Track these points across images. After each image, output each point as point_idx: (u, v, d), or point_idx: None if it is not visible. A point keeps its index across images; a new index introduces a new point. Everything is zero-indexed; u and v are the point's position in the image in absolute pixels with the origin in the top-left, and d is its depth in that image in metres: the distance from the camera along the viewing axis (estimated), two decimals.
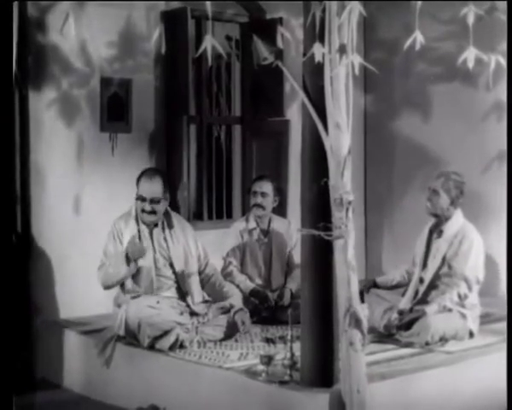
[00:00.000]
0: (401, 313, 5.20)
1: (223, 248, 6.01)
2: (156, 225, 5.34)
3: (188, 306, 5.30)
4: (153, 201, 5.26)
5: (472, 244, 5.22)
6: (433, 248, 5.34)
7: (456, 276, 5.18)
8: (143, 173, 5.38)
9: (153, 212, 5.27)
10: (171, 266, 5.33)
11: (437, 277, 5.26)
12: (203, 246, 5.54)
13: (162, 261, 5.32)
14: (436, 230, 5.36)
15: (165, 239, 5.35)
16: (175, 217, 5.48)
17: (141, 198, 5.27)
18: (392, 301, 5.40)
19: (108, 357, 5.09)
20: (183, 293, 5.32)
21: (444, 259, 5.26)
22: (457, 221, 5.29)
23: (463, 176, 5.39)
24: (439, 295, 5.17)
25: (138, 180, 5.34)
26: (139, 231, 5.29)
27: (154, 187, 5.28)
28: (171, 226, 5.39)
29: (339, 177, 3.80)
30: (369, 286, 5.65)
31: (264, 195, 5.96)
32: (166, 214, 5.40)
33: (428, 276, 5.29)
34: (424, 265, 5.36)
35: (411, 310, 5.20)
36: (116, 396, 5.09)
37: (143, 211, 5.27)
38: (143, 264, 5.21)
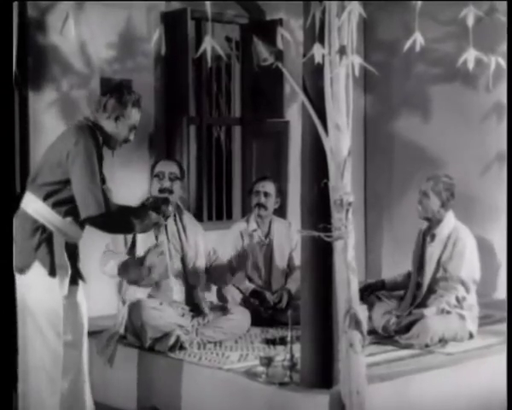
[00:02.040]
0: (399, 317, 5.21)
1: (223, 248, 6.00)
2: (169, 216, 5.32)
3: (191, 310, 5.28)
4: (171, 176, 5.24)
5: (465, 246, 5.22)
6: (427, 252, 5.35)
7: (452, 279, 5.17)
8: (159, 161, 5.45)
9: (170, 191, 5.21)
10: (182, 260, 5.33)
11: (434, 281, 5.26)
12: (211, 245, 5.56)
13: (174, 253, 5.32)
14: (429, 233, 5.37)
15: (178, 232, 5.35)
16: (186, 214, 5.48)
17: (159, 175, 5.23)
18: (390, 304, 5.41)
19: (110, 357, 5.08)
20: (191, 289, 5.31)
21: (439, 262, 5.26)
22: (449, 223, 5.28)
23: (454, 178, 5.38)
24: (438, 298, 5.17)
25: (154, 167, 5.35)
26: None
27: (172, 166, 5.30)
28: (182, 221, 5.39)
29: (339, 178, 3.80)
30: (377, 287, 5.66)
31: (266, 195, 5.95)
32: (178, 209, 5.40)
33: (425, 281, 5.29)
34: (420, 270, 5.36)
35: (409, 314, 5.21)
36: (116, 397, 5.09)
37: (160, 190, 5.22)
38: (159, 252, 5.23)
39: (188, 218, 5.47)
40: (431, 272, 5.27)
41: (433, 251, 5.30)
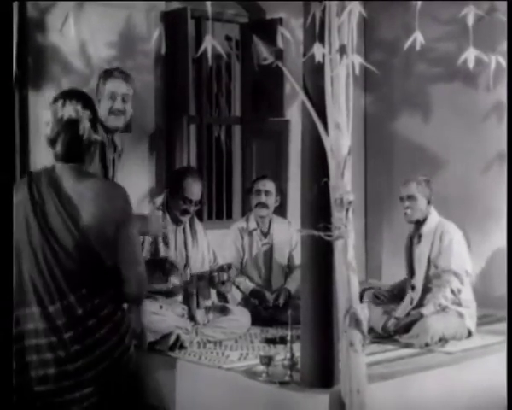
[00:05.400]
0: (397, 318, 5.22)
1: (222, 248, 6.01)
2: (180, 224, 5.35)
3: (190, 310, 5.28)
4: (197, 203, 5.31)
5: (452, 238, 5.27)
6: (416, 253, 5.38)
7: (444, 273, 5.21)
8: (187, 173, 5.38)
9: (189, 212, 5.29)
10: (186, 267, 5.32)
11: (427, 280, 5.29)
12: (213, 249, 5.56)
13: (181, 262, 5.32)
14: (415, 235, 5.40)
15: (185, 242, 5.35)
16: (196, 220, 5.48)
17: (187, 200, 5.24)
18: (390, 305, 5.43)
19: None
20: (188, 296, 5.30)
21: (429, 260, 5.30)
22: (433, 220, 5.34)
23: (428, 174, 5.49)
24: (434, 295, 5.19)
25: (180, 178, 5.30)
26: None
27: (198, 189, 5.31)
28: (193, 230, 5.40)
29: (339, 177, 3.80)
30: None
31: (267, 193, 5.95)
32: (191, 218, 5.42)
33: (419, 281, 5.32)
34: (412, 272, 5.39)
35: (408, 314, 5.22)
36: None
37: (185, 212, 5.27)
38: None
39: (197, 225, 5.48)
40: (423, 271, 5.32)
41: (421, 251, 5.35)
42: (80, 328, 3.11)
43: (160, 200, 5.39)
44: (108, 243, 3.12)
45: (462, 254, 5.27)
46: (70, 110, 3.24)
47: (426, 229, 5.33)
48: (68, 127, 3.21)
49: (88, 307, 3.12)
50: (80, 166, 3.21)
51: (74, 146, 3.20)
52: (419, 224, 5.36)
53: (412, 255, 5.41)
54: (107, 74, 4.65)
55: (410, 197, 5.31)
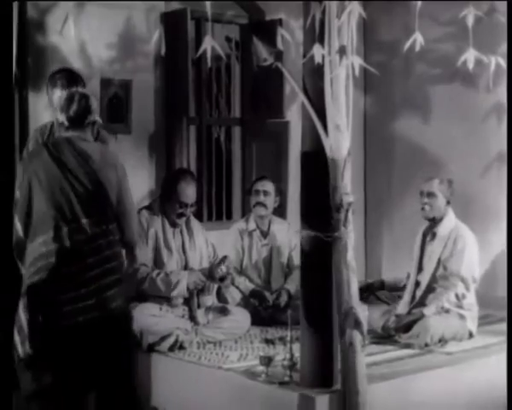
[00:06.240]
0: (398, 316, 5.22)
1: (222, 249, 6.01)
2: (177, 227, 5.36)
3: (190, 311, 5.28)
4: (192, 205, 5.33)
5: (466, 243, 5.24)
6: (427, 251, 5.36)
7: (452, 276, 5.19)
8: (181, 176, 5.39)
9: (186, 215, 5.31)
10: (185, 268, 5.33)
11: (433, 279, 5.27)
12: (212, 243, 5.57)
13: (180, 263, 5.32)
14: (429, 232, 5.38)
15: (183, 243, 5.36)
16: (191, 219, 5.49)
17: (183, 204, 5.27)
18: (390, 304, 5.42)
19: None
20: (189, 297, 5.30)
21: (439, 261, 5.28)
22: (450, 222, 5.31)
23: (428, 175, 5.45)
24: (437, 297, 5.18)
25: (174, 182, 5.31)
26: (164, 231, 5.30)
27: (193, 191, 5.32)
28: (190, 230, 5.41)
29: (339, 178, 3.81)
30: (376, 287, 5.67)
31: (266, 194, 5.96)
32: (187, 220, 5.43)
33: (425, 279, 5.31)
34: (419, 268, 5.37)
35: (409, 313, 5.22)
36: None
37: (182, 215, 5.29)
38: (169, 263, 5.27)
39: (193, 224, 5.48)
40: (431, 270, 5.29)
41: (433, 250, 5.32)
42: (100, 255, 4.08)
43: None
44: (113, 189, 4.19)
45: (472, 261, 5.24)
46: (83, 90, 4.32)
47: (441, 229, 5.30)
48: (81, 98, 4.14)
49: (108, 240, 4.13)
50: (86, 135, 4.18)
51: (82, 116, 4.13)
52: (435, 222, 5.33)
53: (423, 252, 5.39)
54: (52, 82, 4.76)
55: (430, 194, 5.28)
